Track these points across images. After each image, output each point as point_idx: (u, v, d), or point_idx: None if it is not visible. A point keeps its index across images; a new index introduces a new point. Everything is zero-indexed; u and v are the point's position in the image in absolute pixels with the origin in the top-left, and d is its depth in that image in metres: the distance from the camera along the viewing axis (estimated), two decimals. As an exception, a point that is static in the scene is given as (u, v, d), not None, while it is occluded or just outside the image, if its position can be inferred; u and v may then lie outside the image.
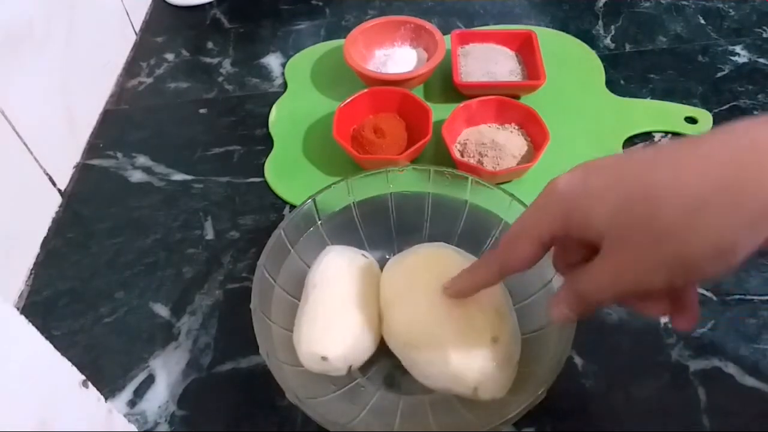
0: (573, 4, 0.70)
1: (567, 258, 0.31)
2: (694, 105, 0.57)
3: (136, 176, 0.54)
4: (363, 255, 0.40)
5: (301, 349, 0.35)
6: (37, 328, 0.27)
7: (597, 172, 0.27)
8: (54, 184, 0.52)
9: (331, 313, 0.36)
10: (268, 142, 0.56)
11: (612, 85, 0.60)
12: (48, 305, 0.45)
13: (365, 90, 0.54)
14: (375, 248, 0.42)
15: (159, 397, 0.40)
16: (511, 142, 0.51)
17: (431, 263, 0.38)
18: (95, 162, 0.55)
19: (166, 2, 0.73)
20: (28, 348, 0.26)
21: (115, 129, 0.59)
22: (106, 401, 0.32)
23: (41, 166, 0.50)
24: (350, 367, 0.36)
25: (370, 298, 0.38)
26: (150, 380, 0.41)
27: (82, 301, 0.45)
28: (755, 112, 0.56)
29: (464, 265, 0.37)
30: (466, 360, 0.33)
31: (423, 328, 0.35)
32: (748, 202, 0.23)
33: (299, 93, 0.61)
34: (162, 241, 0.49)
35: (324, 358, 0.35)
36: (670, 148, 0.26)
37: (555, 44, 0.63)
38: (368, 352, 0.37)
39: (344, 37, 0.60)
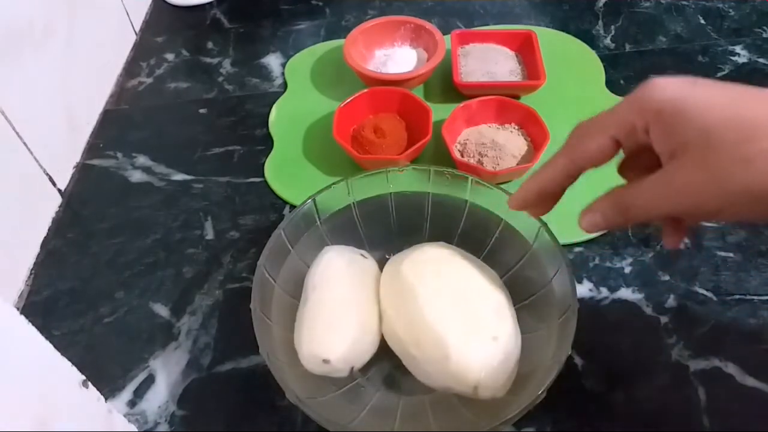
0: (573, 4, 0.70)
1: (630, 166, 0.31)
2: (694, 105, 0.57)
3: (136, 176, 0.54)
4: (362, 255, 0.40)
5: (302, 352, 0.35)
6: (37, 328, 0.27)
7: (705, 88, 0.26)
8: (54, 184, 0.52)
9: (331, 314, 0.36)
10: (268, 142, 0.56)
11: (612, 85, 0.60)
12: (48, 305, 0.45)
13: (365, 90, 0.54)
14: (375, 248, 0.42)
15: (159, 397, 0.40)
16: (511, 142, 0.51)
17: (431, 262, 0.38)
18: (95, 162, 0.55)
19: (166, 2, 0.73)
20: (28, 348, 0.26)
21: (115, 129, 0.59)
22: (106, 401, 0.32)
23: (41, 166, 0.50)
24: (352, 368, 0.36)
25: (370, 298, 0.38)
26: (150, 380, 0.41)
27: (82, 301, 0.45)
28: (755, 112, 0.56)
29: (464, 264, 0.38)
30: (467, 359, 0.33)
31: (423, 327, 0.35)
32: None
33: (299, 93, 0.61)
34: (162, 241, 0.49)
35: (326, 361, 0.35)
36: None
37: (555, 44, 0.63)
38: (369, 353, 0.37)
39: (344, 37, 0.60)
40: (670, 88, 0.27)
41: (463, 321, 0.34)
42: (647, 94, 0.28)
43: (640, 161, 0.30)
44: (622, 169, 0.32)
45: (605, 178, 0.52)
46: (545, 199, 0.33)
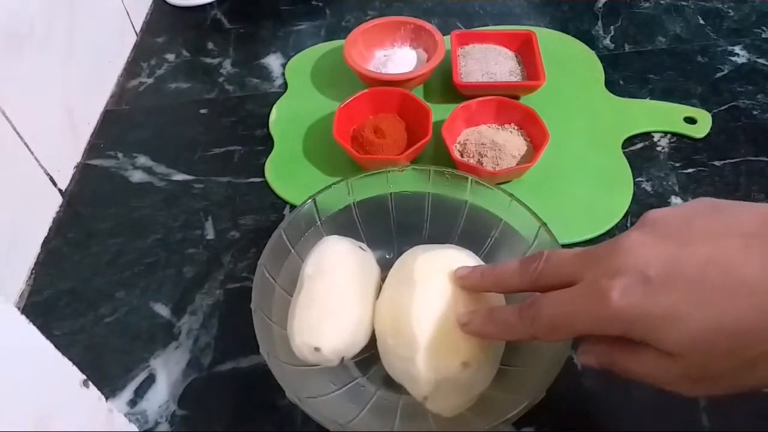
0: (572, 4, 0.70)
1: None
2: (694, 105, 0.57)
3: (137, 176, 0.54)
4: (360, 247, 0.40)
5: (294, 339, 0.35)
6: (38, 327, 0.27)
7: (664, 289, 0.24)
8: (55, 184, 0.52)
9: (325, 303, 0.36)
10: (268, 143, 0.56)
11: (611, 85, 0.60)
12: (49, 305, 0.45)
13: (365, 90, 0.54)
14: (375, 248, 0.42)
15: (159, 397, 0.40)
16: (510, 142, 0.51)
17: (447, 268, 0.36)
18: (96, 162, 0.56)
19: (167, 3, 0.73)
20: (28, 348, 0.27)
21: (115, 129, 0.59)
22: (106, 401, 0.32)
23: (42, 166, 0.50)
24: (342, 358, 0.36)
25: (366, 289, 0.38)
26: (150, 380, 0.41)
27: (83, 300, 0.45)
28: (755, 113, 0.56)
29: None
30: (427, 369, 0.33)
31: (405, 321, 0.34)
32: None
33: (299, 93, 0.61)
34: (162, 241, 0.49)
35: (317, 349, 0.34)
36: (735, 254, 0.24)
37: (554, 45, 0.63)
38: (361, 344, 0.37)
39: (344, 38, 0.60)
40: (631, 302, 0.25)
41: (444, 334, 0.34)
42: (609, 314, 0.25)
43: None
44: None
45: (606, 177, 0.52)
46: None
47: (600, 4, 0.70)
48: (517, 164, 0.50)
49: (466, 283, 0.35)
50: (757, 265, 0.23)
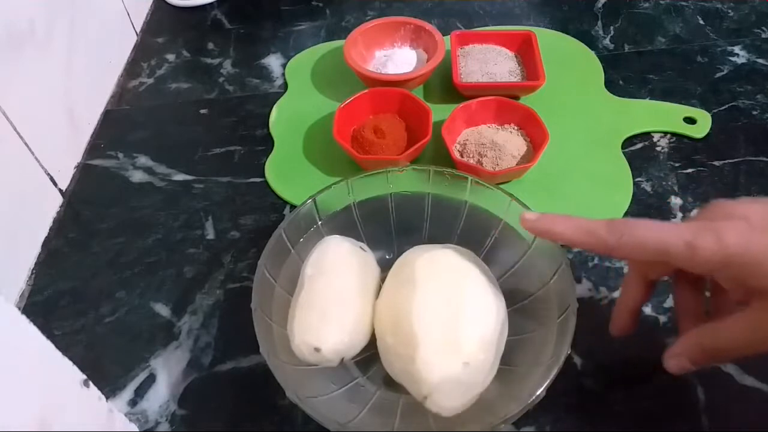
0: (572, 4, 0.70)
1: (688, 305, 0.33)
2: (693, 105, 0.57)
3: (137, 176, 0.54)
4: (361, 247, 0.40)
5: (294, 339, 0.35)
6: (39, 327, 0.27)
7: (765, 232, 0.27)
8: (55, 184, 0.52)
9: (325, 303, 0.36)
10: (268, 143, 0.56)
11: (611, 85, 0.60)
12: (49, 305, 0.45)
13: (365, 91, 0.54)
14: (375, 248, 0.43)
15: (160, 397, 0.40)
16: (510, 142, 0.51)
17: (448, 268, 0.37)
18: (96, 162, 0.56)
19: (167, 3, 0.73)
20: (29, 347, 0.27)
21: (116, 129, 0.59)
22: (107, 400, 0.32)
23: (42, 166, 0.50)
24: (342, 359, 0.36)
25: (366, 290, 0.38)
26: (151, 379, 0.41)
27: (83, 300, 0.45)
28: (754, 113, 0.56)
29: (477, 283, 0.36)
30: (428, 369, 0.33)
31: (405, 320, 0.34)
32: None
33: (300, 93, 0.61)
34: (163, 241, 0.49)
35: (317, 349, 0.34)
36: None
37: (554, 45, 0.64)
38: (361, 345, 0.37)
39: (344, 38, 0.60)
40: (733, 237, 0.28)
41: (445, 334, 0.34)
42: (709, 243, 0.28)
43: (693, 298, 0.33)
44: (678, 310, 0.35)
45: (606, 177, 0.52)
46: (637, 314, 0.37)
47: (600, 5, 0.70)
48: (517, 164, 0.50)
49: (537, 226, 0.34)
50: None
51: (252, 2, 0.73)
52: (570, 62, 0.62)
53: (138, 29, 0.70)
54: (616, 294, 0.44)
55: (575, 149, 0.53)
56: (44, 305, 0.45)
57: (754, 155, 0.53)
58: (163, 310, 0.45)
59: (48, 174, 0.51)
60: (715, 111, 0.56)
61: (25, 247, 0.48)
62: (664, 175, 0.51)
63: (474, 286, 0.36)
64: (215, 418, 0.39)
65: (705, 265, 0.29)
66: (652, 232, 0.30)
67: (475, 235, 0.42)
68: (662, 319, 0.42)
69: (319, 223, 0.42)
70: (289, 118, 0.58)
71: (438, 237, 0.42)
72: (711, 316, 0.34)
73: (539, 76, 0.56)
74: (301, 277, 0.38)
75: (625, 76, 0.61)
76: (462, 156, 0.51)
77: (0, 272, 0.44)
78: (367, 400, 0.37)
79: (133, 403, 0.40)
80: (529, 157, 0.50)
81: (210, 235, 0.49)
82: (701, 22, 0.67)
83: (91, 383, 0.31)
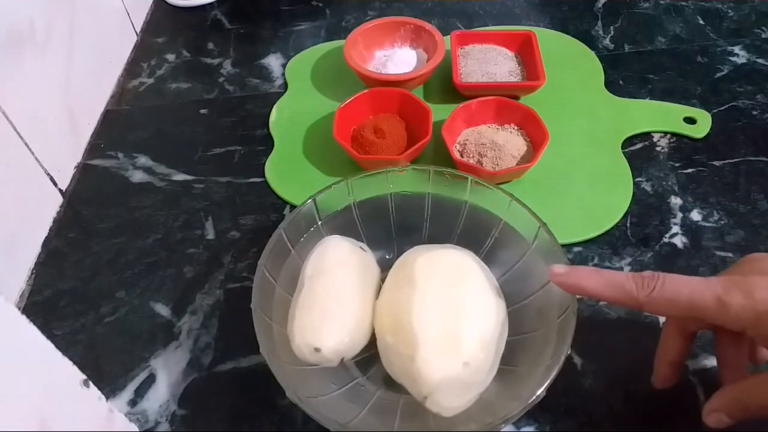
0: (572, 4, 0.70)
1: (729, 357, 0.34)
2: (693, 105, 0.57)
3: (137, 176, 0.54)
4: (361, 248, 0.40)
5: (294, 339, 0.35)
6: (38, 327, 0.27)
7: None
8: (55, 184, 0.52)
9: (325, 303, 0.36)
10: (268, 143, 0.56)
11: (611, 85, 0.60)
12: (49, 305, 0.45)
13: (365, 90, 0.54)
14: (375, 248, 0.43)
15: (160, 397, 0.40)
16: (510, 142, 0.51)
17: (447, 268, 0.37)
18: (96, 162, 0.56)
19: (167, 3, 0.73)
20: (29, 347, 0.27)
21: (116, 129, 0.59)
22: (107, 400, 0.32)
23: (42, 166, 0.50)
24: (342, 359, 0.36)
25: (366, 290, 0.38)
26: (151, 379, 0.41)
27: (83, 300, 0.45)
28: (754, 113, 0.56)
29: (478, 282, 0.36)
30: (428, 369, 0.33)
31: (405, 320, 0.34)
32: None
33: (300, 93, 0.61)
34: (163, 241, 0.49)
35: (317, 349, 0.35)
36: None
37: (554, 45, 0.64)
38: (361, 345, 0.37)
39: (344, 38, 0.60)
40: (764, 293, 0.28)
41: (445, 334, 0.34)
42: (739, 299, 0.29)
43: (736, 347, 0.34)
44: (722, 362, 0.35)
45: (605, 177, 0.52)
46: (679, 366, 0.37)
47: (600, 5, 0.70)
48: (516, 164, 0.50)
49: (566, 281, 0.34)
50: None
51: (252, 2, 0.73)
52: (570, 62, 0.62)
53: (138, 29, 0.70)
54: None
55: (575, 149, 0.53)
56: (44, 305, 0.45)
57: (754, 155, 0.53)
58: (163, 310, 0.45)
59: (48, 174, 0.51)
60: (715, 111, 0.56)
61: (25, 247, 0.48)
62: (664, 175, 0.51)
63: (474, 286, 0.36)
64: (215, 418, 0.39)
65: (736, 321, 0.29)
66: (682, 287, 0.30)
67: (475, 235, 0.42)
68: (662, 319, 0.42)
69: (319, 223, 0.42)
70: (289, 118, 0.58)
71: (438, 237, 0.42)
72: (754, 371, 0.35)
73: (539, 76, 0.56)
74: (301, 277, 0.38)
75: (625, 76, 0.61)
76: (462, 156, 0.51)
77: (0, 272, 0.44)
78: (367, 400, 0.37)
79: (133, 403, 0.40)
80: (529, 157, 0.50)
81: (210, 235, 0.49)
82: (701, 22, 0.67)
83: (91, 383, 0.31)
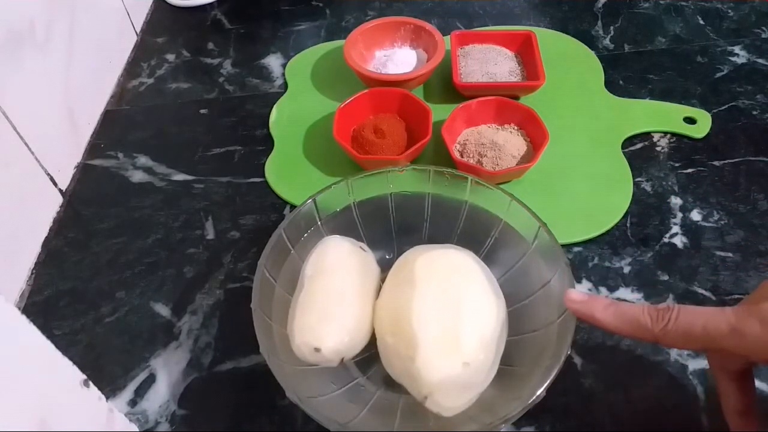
0: (572, 4, 0.70)
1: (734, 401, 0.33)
2: (693, 105, 0.57)
3: (137, 176, 0.54)
4: (361, 248, 0.40)
5: (294, 339, 0.35)
6: (38, 327, 0.27)
7: None
8: (55, 184, 0.52)
9: (326, 304, 0.36)
10: (268, 143, 0.56)
11: (611, 85, 0.60)
12: (49, 305, 0.45)
13: (365, 90, 0.54)
14: (375, 248, 0.43)
15: (160, 397, 0.40)
16: (510, 142, 0.51)
17: (447, 268, 0.37)
18: (96, 162, 0.56)
19: (167, 3, 0.73)
20: (29, 347, 0.27)
21: (116, 129, 0.59)
22: (107, 400, 0.32)
23: (42, 166, 0.50)
24: (342, 359, 0.36)
25: (366, 290, 0.38)
26: (151, 379, 0.41)
27: (83, 300, 0.45)
28: (754, 113, 0.56)
29: (478, 282, 0.36)
30: (428, 369, 0.33)
31: (405, 321, 0.34)
32: None
33: (300, 93, 0.61)
34: (163, 241, 0.49)
35: (317, 349, 0.34)
36: None
37: (554, 45, 0.64)
38: (361, 345, 0.37)
39: (344, 38, 0.60)
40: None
41: (444, 334, 0.34)
42: (754, 328, 0.28)
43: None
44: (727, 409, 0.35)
45: (606, 177, 0.52)
46: (751, 414, 0.35)
47: (600, 4, 0.70)
48: (516, 164, 0.50)
49: (581, 309, 0.34)
50: None
51: (252, 2, 0.73)
52: (570, 62, 0.62)
53: (138, 29, 0.70)
54: (616, 294, 0.44)
55: (575, 149, 0.53)
56: (44, 305, 0.45)
57: (754, 155, 0.53)
58: (163, 310, 0.45)
59: (48, 174, 0.51)
60: (715, 111, 0.56)
61: (24, 247, 0.48)
62: (664, 175, 0.51)
63: (474, 286, 0.36)
64: (215, 418, 0.39)
65: (754, 350, 0.28)
66: (696, 318, 0.30)
67: (475, 235, 0.42)
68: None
69: (319, 223, 0.42)
70: (289, 118, 0.58)
71: (438, 237, 0.42)
72: None
73: (539, 76, 0.56)
74: (301, 277, 0.38)
75: (625, 76, 0.61)
76: (462, 156, 0.51)
77: (0, 272, 0.44)
78: (367, 400, 0.37)
79: (133, 403, 0.40)
80: (529, 157, 0.50)
81: (210, 235, 0.49)
82: (701, 22, 0.67)
83: (91, 383, 0.31)
